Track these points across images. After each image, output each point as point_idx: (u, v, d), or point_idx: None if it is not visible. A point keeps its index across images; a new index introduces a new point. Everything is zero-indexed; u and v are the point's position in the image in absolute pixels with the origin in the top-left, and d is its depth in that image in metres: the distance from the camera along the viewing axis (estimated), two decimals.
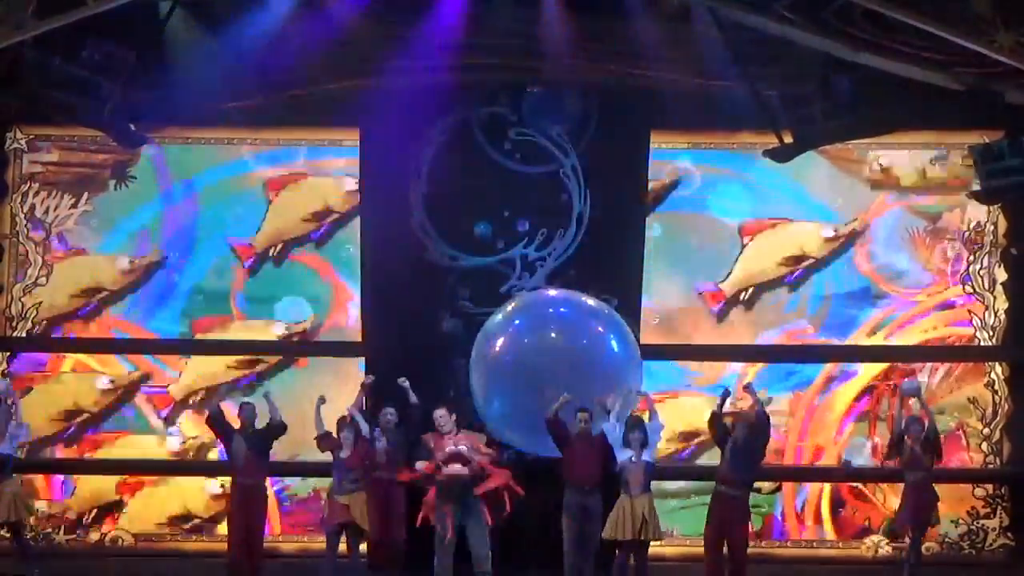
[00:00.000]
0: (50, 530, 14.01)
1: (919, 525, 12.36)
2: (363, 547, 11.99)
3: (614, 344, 12.36)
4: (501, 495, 11.37)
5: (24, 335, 14.23)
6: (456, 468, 11.32)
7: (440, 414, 11.74)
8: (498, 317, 12.59)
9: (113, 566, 13.62)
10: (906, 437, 12.22)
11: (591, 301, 12.75)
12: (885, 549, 14.07)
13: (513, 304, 12.82)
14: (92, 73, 12.70)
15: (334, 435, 12.02)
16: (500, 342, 12.33)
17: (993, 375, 14.24)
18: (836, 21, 12.22)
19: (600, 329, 12.45)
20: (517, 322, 12.51)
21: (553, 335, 12.30)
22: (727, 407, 11.90)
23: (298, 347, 14.28)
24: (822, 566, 13.89)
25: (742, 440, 11.61)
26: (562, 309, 12.71)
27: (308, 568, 12.52)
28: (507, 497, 11.40)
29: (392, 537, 11.93)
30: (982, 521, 14.08)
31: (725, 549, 11.60)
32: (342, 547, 11.96)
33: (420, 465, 11.47)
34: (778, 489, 14.14)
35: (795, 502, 14.18)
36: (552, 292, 13.30)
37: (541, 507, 12.29)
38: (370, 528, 11.90)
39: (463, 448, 11.43)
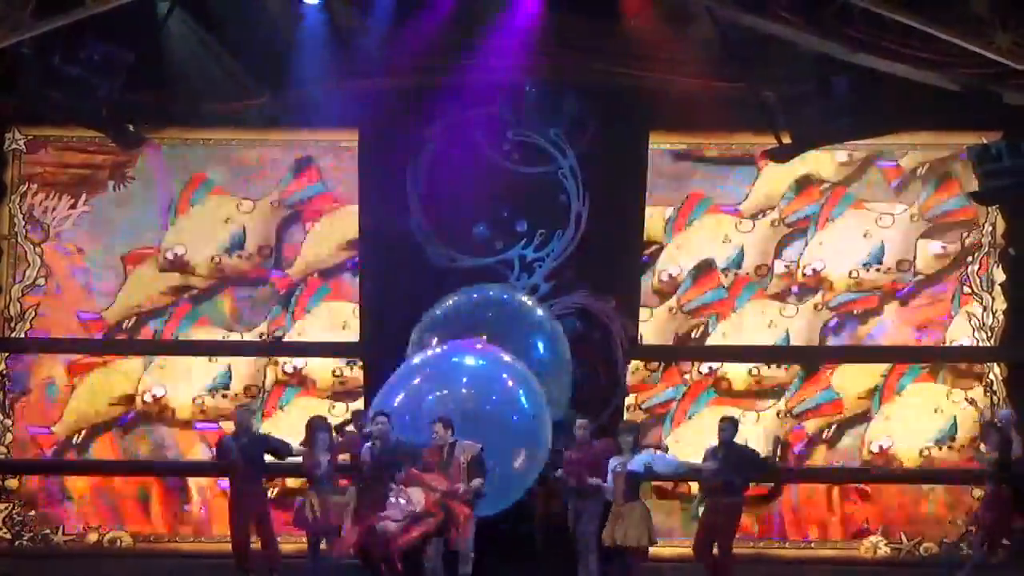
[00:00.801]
0: (48, 531, 14.01)
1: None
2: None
3: (524, 401, 11.84)
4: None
5: (23, 336, 14.23)
6: (383, 524, 10.93)
7: (437, 428, 11.58)
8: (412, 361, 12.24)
9: (112, 567, 13.61)
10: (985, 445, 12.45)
11: (507, 356, 12.21)
12: (884, 550, 14.06)
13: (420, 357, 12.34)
14: (90, 74, 12.68)
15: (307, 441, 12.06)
16: (400, 397, 11.82)
17: (991, 376, 14.23)
18: (834, 22, 12.22)
19: (511, 384, 11.93)
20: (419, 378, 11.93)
21: (463, 391, 11.79)
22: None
23: (296, 347, 14.27)
24: (821, 567, 13.88)
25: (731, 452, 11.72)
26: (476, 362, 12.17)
27: (307, 569, 12.48)
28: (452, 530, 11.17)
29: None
30: None
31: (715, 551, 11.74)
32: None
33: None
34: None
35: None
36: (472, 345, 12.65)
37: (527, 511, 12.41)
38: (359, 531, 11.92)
39: (403, 504, 10.98)
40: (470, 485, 10.97)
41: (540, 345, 12.74)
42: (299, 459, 12.05)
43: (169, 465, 14.19)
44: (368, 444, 11.60)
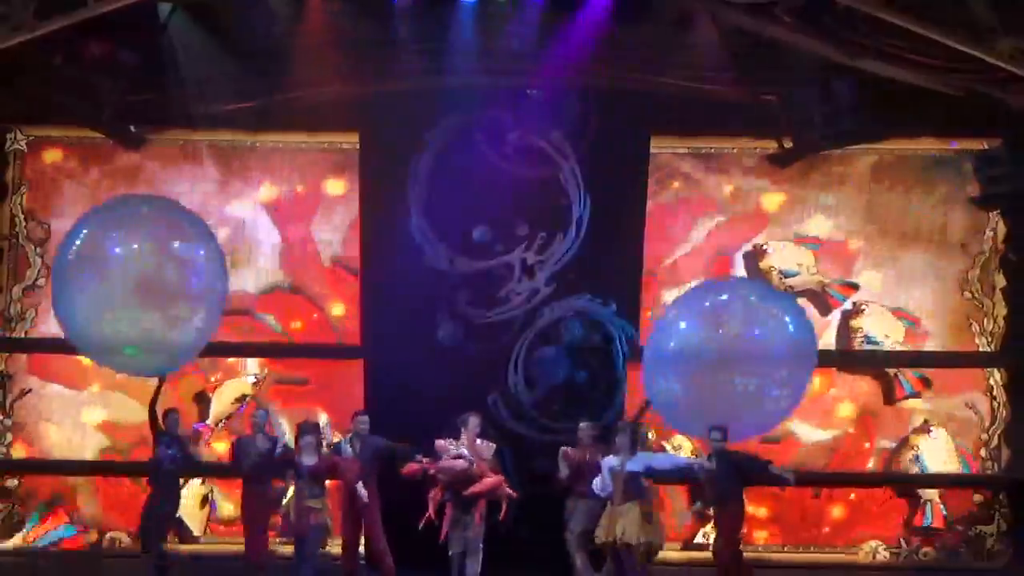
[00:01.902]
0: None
1: None
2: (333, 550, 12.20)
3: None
4: (497, 497, 11.65)
5: (23, 336, 14.23)
6: (455, 462, 11.56)
7: (475, 422, 11.92)
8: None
9: (111, 567, 13.61)
10: None
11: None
12: (883, 555, 14.05)
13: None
14: (92, 74, 12.73)
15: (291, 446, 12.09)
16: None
17: (992, 381, 14.21)
18: (836, 26, 12.24)
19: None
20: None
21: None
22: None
23: (296, 349, 14.27)
24: (820, 571, 13.87)
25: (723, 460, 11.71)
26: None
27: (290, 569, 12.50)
28: (504, 502, 11.68)
29: (370, 540, 12.00)
30: (980, 527, 14.06)
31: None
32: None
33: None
34: None
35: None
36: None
37: (534, 512, 12.42)
38: (341, 533, 12.05)
39: (464, 451, 11.68)
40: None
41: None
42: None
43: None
44: (347, 444, 11.73)
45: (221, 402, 14.15)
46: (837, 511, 14.12)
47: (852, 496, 14.13)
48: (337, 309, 14.27)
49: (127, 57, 12.82)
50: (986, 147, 13.55)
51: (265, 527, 12.11)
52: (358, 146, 14.02)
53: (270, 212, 14.32)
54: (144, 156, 14.15)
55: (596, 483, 11.54)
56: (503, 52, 13.25)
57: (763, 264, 14.26)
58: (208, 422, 14.05)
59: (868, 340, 14.22)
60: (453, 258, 13.93)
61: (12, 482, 14.11)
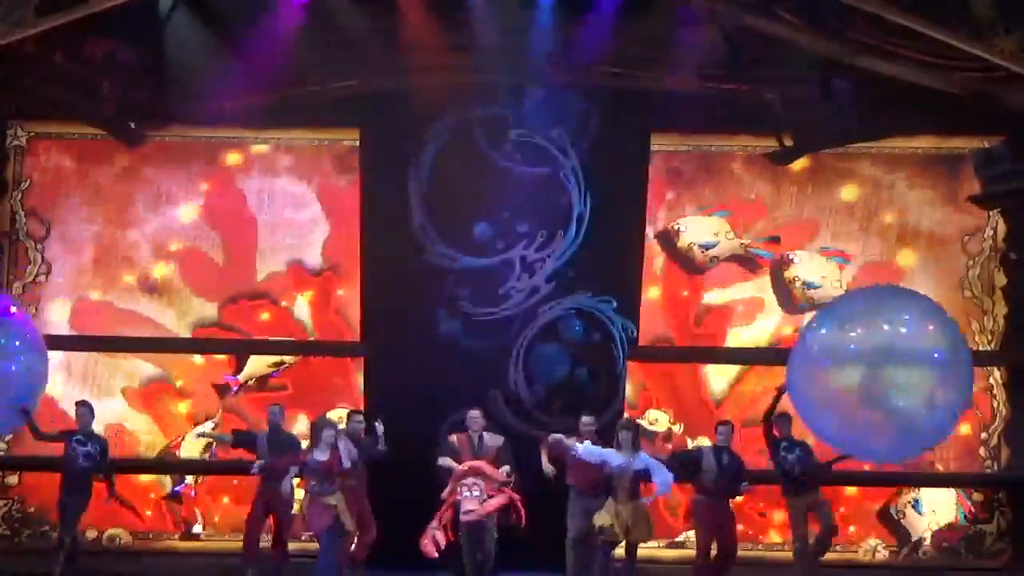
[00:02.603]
0: (47, 528, 14.00)
1: None
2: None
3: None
4: (508, 513, 11.69)
5: None
6: (469, 516, 11.52)
7: (473, 415, 11.91)
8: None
9: (110, 565, 13.61)
10: None
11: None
12: (882, 553, 14.05)
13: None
14: (93, 71, 12.74)
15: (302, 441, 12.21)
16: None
17: (992, 380, 14.21)
18: (837, 24, 12.25)
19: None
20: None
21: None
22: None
23: (297, 347, 14.27)
24: (820, 570, 13.84)
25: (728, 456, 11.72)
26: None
27: (305, 568, 12.50)
28: (513, 514, 11.69)
29: (364, 535, 12.06)
30: (980, 526, 14.06)
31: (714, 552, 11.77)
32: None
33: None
34: None
35: None
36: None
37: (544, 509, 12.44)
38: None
39: (476, 495, 11.57)
40: (503, 472, 11.68)
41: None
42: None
43: (181, 464, 14.18)
44: (345, 444, 11.76)
45: (258, 361, 14.19)
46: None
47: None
48: (301, 306, 14.29)
49: (127, 54, 12.83)
50: (986, 145, 13.56)
51: (289, 522, 12.23)
52: (358, 143, 14.03)
53: (265, 210, 14.32)
54: (144, 153, 14.15)
55: (585, 448, 11.43)
56: (506, 50, 13.26)
57: (680, 243, 14.25)
58: (239, 376, 14.08)
59: (807, 286, 14.17)
60: (453, 256, 13.94)
61: (12, 479, 14.15)
